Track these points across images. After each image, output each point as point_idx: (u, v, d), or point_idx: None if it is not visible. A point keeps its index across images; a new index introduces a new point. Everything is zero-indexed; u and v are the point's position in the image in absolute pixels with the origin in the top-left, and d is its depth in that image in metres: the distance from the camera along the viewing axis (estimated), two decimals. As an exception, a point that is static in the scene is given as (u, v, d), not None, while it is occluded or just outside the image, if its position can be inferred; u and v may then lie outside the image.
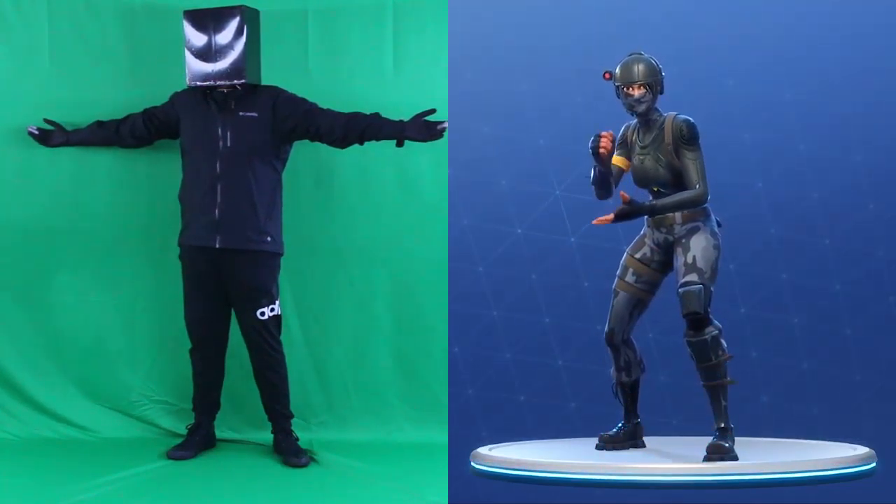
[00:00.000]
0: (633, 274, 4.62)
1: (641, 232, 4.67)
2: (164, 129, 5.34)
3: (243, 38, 5.14)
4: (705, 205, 4.45)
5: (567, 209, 5.40)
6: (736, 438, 4.37)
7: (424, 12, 5.53)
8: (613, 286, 4.66)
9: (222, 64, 5.15)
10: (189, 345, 5.38)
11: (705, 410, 4.41)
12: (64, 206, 5.58)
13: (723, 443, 4.31)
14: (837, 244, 5.41)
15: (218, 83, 5.15)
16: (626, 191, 4.36)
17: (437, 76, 5.45)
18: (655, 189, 4.49)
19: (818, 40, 5.35)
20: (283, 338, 5.36)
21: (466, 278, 5.44)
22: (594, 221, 4.33)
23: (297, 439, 5.37)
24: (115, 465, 5.03)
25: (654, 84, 4.44)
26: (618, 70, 4.47)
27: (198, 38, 5.18)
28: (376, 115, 5.18)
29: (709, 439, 4.35)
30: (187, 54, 5.18)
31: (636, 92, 4.43)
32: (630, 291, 4.62)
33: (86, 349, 5.67)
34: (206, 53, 5.17)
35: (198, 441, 5.38)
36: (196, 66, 5.18)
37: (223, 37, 5.16)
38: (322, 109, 5.23)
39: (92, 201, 5.60)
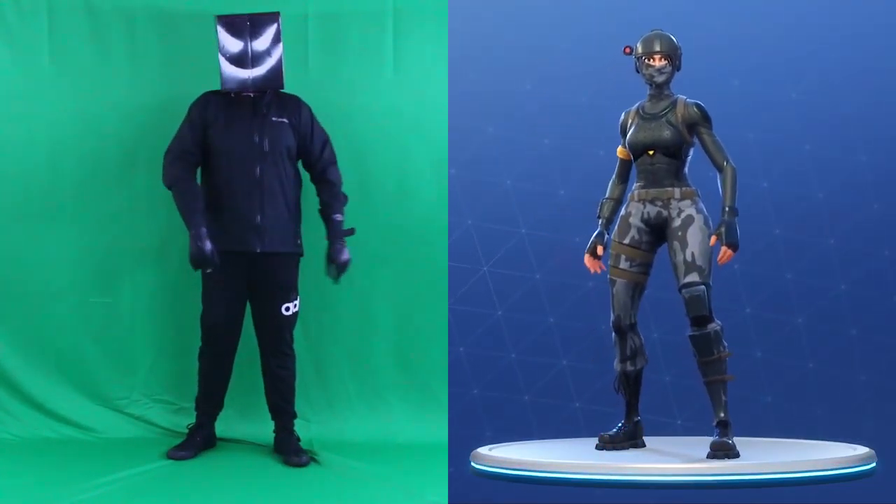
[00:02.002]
0: (627, 259, 4.61)
1: (623, 212, 4.65)
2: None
3: (281, 45, 5.13)
4: (695, 188, 4.55)
5: (571, 209, 5.39)
6: (736, 438, 4.36)
7: (424, 13, 5.55)
8: (609, 276, 4.64)
9: (259, 70, 5.12)
10: (196, 346, 5.34)
11: (709, 411, 4.39)
12: (64, 208, 5.60)
13: (727, 440, 4.31)
14: (842, 244, 5.40)
15: (254, 90, 5.14)
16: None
17: (437, 76, 5.48)
18: (651, 153, 4.53)
19: (820, 40, 5.34)
20: (283, 337, 5.38)
21: (470, 278, 5.44)
22: (720, 260, 4.42)
23: (298, 439, 5.36)
24: (115, 465, 5.02)
25: (675, 57, 4.58)
26: (639, 44, 4.60)
27: (233, 44, 5.11)
28: (343, 197, 5.32)
29: (709, 439, 4.33)
30: (221, 60, 5.09)
31: (657, 62, 4.57)
32: (627, 277, 4.60)
33: (86, 349, 5.68)
34: (241, 59, 5.11)
35: (198, 441, 5.35)
36: (231, 72, 5.11)
37: (260, 43, 5.12)
38: (330, 147, 5.33)
39: (92, 202, 5.61)
